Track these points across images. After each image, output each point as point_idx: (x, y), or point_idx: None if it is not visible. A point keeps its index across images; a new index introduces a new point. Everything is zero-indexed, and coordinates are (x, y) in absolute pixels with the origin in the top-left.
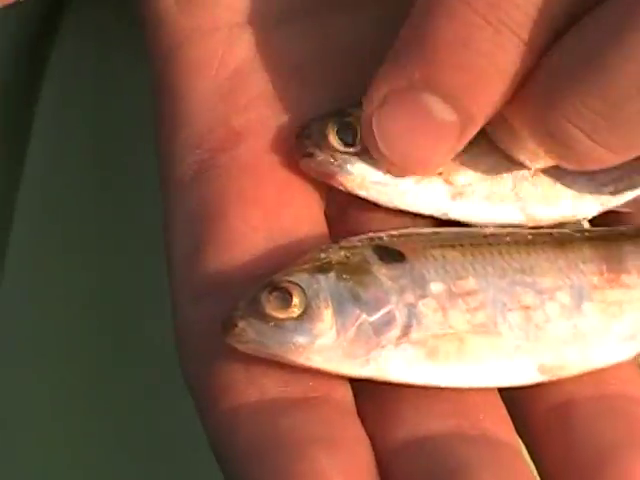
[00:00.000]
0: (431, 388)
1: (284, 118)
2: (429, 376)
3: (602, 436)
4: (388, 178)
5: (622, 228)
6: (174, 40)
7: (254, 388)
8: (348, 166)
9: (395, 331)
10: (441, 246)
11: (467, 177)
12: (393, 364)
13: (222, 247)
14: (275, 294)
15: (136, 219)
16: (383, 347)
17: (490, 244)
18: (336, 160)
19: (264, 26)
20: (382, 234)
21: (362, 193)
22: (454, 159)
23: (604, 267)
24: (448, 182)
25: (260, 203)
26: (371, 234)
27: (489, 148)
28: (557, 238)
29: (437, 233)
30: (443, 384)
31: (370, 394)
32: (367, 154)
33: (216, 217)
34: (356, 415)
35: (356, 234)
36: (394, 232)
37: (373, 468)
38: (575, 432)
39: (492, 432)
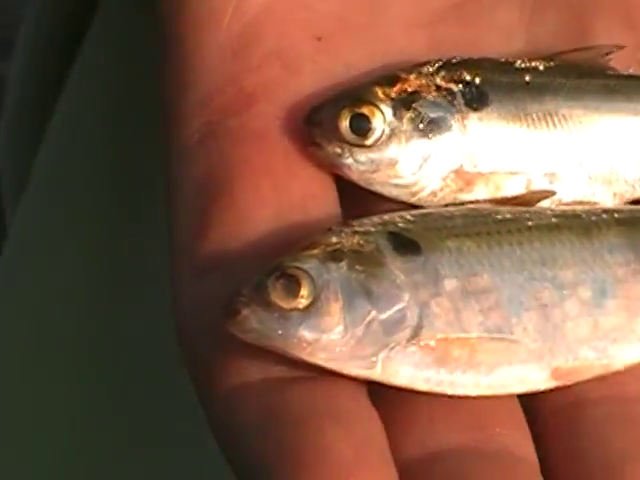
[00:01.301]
0: (444, 395)
1: (302, 81)
2: (437, 383)
3: (611, 444)
4: (403, 177)
5: None
6: None
7: (257, 368)
8: (358, 160)
9: (405, 332)
10: (456, 235)
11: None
12: (400, 368)
13: (228, 220)
14: (282, 281)
15: (151, 220)
16: (391, 349)
17: (510, 231)
18: (345, 153)
19: None
20: (397, 217)
21: (372, 189)
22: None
23: (631, 256)
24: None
25: (270, 174)
26: (385, 217)
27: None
28: (584, 222)
29: (452, 217)
30: (451, 392)
31: (379, 398)
32: (380, 148)
33: (223, 188)
34: (367, 396)
35: (370, 213)
36: (409, 216)
37: (386, 446)
38: (582, 437)
39: (509, 448)
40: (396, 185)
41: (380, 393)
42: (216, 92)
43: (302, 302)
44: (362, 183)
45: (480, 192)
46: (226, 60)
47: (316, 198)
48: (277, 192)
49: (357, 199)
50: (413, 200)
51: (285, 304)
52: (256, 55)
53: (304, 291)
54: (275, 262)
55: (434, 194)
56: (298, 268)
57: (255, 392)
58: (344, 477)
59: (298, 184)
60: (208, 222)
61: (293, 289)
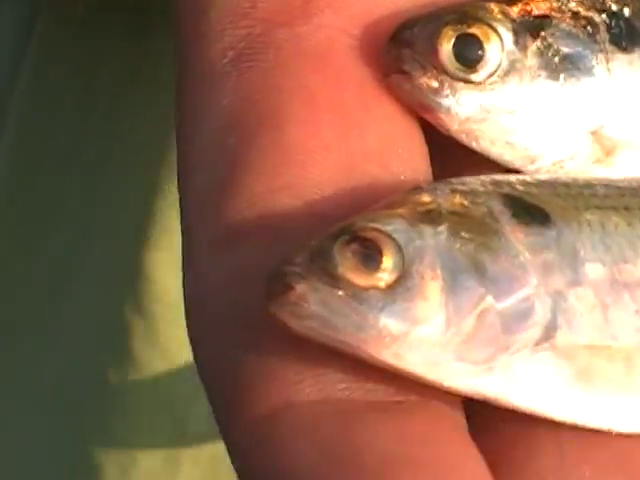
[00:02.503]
0: (581, 428)
1: None
2: (578, 408)
3: None
4: (522, 133)
5: None
6: None
7: (313, 380)
8: (461, 102)
9: (534, 330)
10: (598, 208)
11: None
12: (527, 380)
13: (271, 171)
14: (355, 248)
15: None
16: (515, 352)
17: None
18: (443, 90)
19: None
20: (512, 179)
21: (476, 146)
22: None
23: None
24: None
25: (336, 110)
26: (496, 177)
27: None
28: None
29: (590, 185)
30: (596, 423)
31: (487, 427)
32: (493, 88)
33: (265, 126)
34: (468, 434)
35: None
36: (529, 178)
37: None
38: None
39: None
40: (510, 144)
41: (484, 412)
42: None
43: (385, 278)
44: (462, 137)
45: (624, 165)
46: None
47: (398, 148)
48: (345, 134)
49: (450, 161)
50: (531, 169)
51: (360, 280)
52: None
53: (387, 262)
54: (343, 224)
55: (560, 163)
56: (378, 231)
57: (307, 421)
58: None
59: (374, 126)
60: (243, 171)
61: (372, 259)
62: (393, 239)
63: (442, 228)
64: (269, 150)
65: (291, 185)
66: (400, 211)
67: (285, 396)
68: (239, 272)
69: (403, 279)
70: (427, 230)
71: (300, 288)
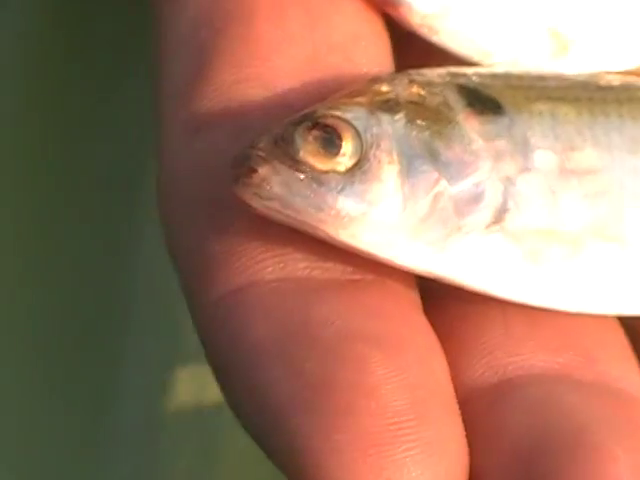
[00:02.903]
0: (527, 306)
1: None
2: (525, 287)
3: None
4: (483, 26)
5: None
6: None
7: (274, 260)
8: None
9: (485, 213)
10: (549, 98)
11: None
12: (477, 261)
13: (240, 62)
14: (316, 133)
15: None
16: (466, 233)
17: (618, 101)
18: None
19: None
20: (468, 71)
21: (436, 41)
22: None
23: None
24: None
25: (301, 4)
26: (452, 69)
27: None
28: None
29: (543, 78)
30: (543, 303)
31: (439, 305)
32: None
33: (235, 19)
34: (422, 311)
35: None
36: (483, 71)
37: (450, 386)
38: None
39: (613, 378)
40: (469, 39)
41: (437, 293)
42: None
43: (344, 162)
44: (423, 31)
45: (578, 62)
46: None
47: (362, 40)
48: (311, 27)
49: (412, 54)
50: (489, 63)
51: (320, 163)
52: None
53: (347, 147)
54: (305, 112)
55: (516, 58)
56: (338, 118)
57: (270, 298)
58: (395, 433)
59: (339, 19)
60: (213, 62)
61: (332, 144)
62: (352, 126)
63: (399, 116)
64: (237, 42)
65: (258, 75)
66: (360, 99)
67: (249, 274)
68: (208, 156)
69: (361, 163)
70: (385, 117)
71: (263, 170)
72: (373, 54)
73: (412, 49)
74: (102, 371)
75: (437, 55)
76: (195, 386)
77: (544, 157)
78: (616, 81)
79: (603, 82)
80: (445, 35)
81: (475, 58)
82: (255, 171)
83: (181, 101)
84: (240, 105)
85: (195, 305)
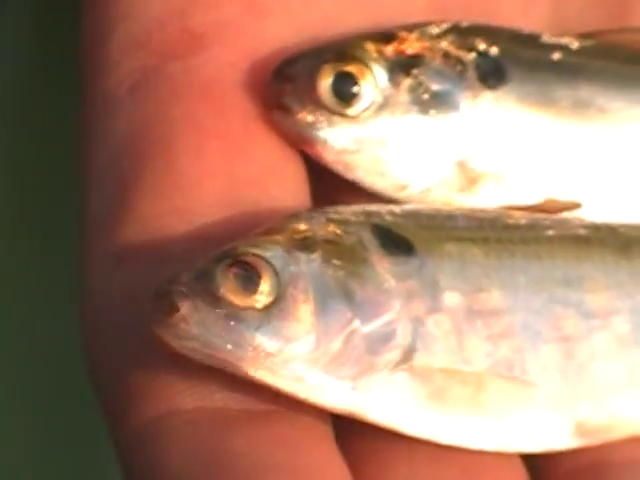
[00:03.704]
0: (433, 443)
1: (268, 26)
2: (429, 426)
3: None
4: (393, 163)
5: None
6: None
7: (192, 391)
8: (336, 135)
9: (394, 353)
10: (458, 240)
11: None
12: (385, 398)
13: (161, 194)
14: (236, 271)
15: None
16: (377, 371)
17: (524, 241)
18: (321, 123)
19: None
20: (382, 209)
21: (350, 176)
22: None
23: None
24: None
25: (221, 137)
26: (367, 207)
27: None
28: (621, 238)
29: (453, 217)
30: (447, 440)
31: (351, 439)
32: (367, 122)
33: (157, 149)
34: (334, 444)
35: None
36: (397, 209)
37: None
38: None
39: None
40: (382, 174)
41: (349, 427)
42: (155, 29)
43: (261, 300)
44: (338, 167)
45: (486, 195)
46: None
47: (279, 174)
48: (229, 161)
49: (326, 190)
50: (401, 196)
51: (239, 300)
52: None
53: (265, 285)
54: (226, 248)
55: (428, 191)
56: (257, 256)
57: (187, 427)
58: None
59: (257, 153)
60: (135, 193)
61: (250, 281)
62: (271, 264)
63: (315, 255)
64: (159, 174)
65: (179, 209)
66: (278, 238)
67: (167, 404)
68: (128, 288)
69: (278, 301)
70: (302, 257)
71: (184, 308)
72: (290, 188)
73: (328, 182)
74: None
75: (351, 188)
76: None
77: (452, 298)
78: (523, 219)
79: (511, 221)
80: (359, 171)
81: (388, 192)
82: (176, 309)
83: (103, 232)
84: (160, 237)
85: (116, 433)
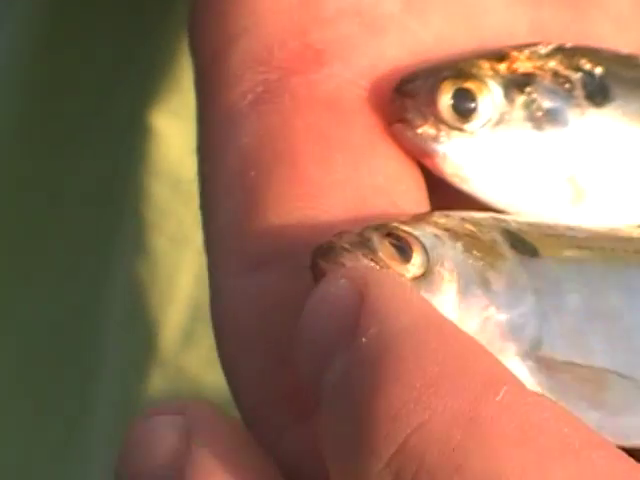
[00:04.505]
0: None
1: (385, 44)
2: None
3: None
4: (508, 177)
5: None
6: None
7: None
8: (455, 147)
9: (524, 342)
10: (578, 247)
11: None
12: None
13: (290, 204)
14: (392, 240)
15: None
16: (505, 357)
17: (638, 251)
18: (441, 137)
19: None
20: (507, 217)
21: (465, 189)
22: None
23: None
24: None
25: (347, 149)
26: (493, 215)
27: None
28: None
29: (571, 228)
30: None
31: None
32: (483, 137)
33: (283, 161)
34: None
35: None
36: (520, 218)
37: None
38: None
39: None
40: (496, 187)
41: None
42: (276, 45)
43: (412, 270)
44: (455, 180)
45: (592, 210)
46: (292, 7)
47: (403, 184)
48: (356, 170)
49: (439, 202)
50: (513, 209)
51: (394, 265)
52: (330, 6)
53: (416, 258)
54: (378, 223)
55: (539, 205)
56: (409, 233)
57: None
58: None
59: (382, 164)
60: (263, 204)
61: (404, 252)
62: (421, 242)
63: (459, 244)
64: (286, 184)
65: (307, 217)
66: (425, 224)
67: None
68: (265, 297)
69: (427, 275)
70: (448, 242)
71: (346, 260)
72: (414, 198)
73: (445, 195)
74: (75, 384)
75: (465, 201)
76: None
77: (573, 299)
78: (635, 233)
79: (623, 234)
80: (474, 184)
81: (501, 206)
82: (340, 263)
83: (235, 244)
84: (293, 246)
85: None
